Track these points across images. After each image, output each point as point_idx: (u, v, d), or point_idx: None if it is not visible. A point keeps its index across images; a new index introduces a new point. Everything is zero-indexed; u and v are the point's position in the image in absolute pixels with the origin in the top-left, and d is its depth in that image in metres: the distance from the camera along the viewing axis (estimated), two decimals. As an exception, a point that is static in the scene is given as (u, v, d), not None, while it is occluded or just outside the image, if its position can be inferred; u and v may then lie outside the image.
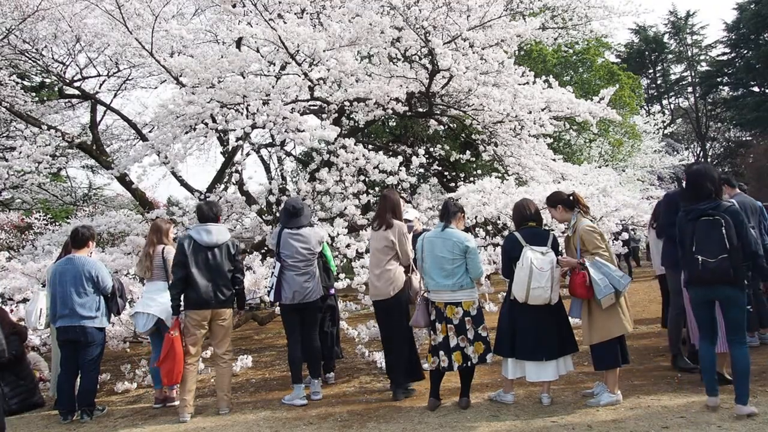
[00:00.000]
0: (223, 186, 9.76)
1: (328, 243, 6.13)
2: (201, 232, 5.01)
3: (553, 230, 5.88)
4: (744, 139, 29.71)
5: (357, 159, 7.28)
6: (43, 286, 6.12)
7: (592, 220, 4.70)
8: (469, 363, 4.54)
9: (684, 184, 4.27)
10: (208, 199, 8.71)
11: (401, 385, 5.04)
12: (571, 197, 4.67)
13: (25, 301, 6.54)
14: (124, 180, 9.61)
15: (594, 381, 4.82)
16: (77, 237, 5.37)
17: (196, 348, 5.04)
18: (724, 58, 30.95)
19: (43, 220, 14.09)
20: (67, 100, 11.22)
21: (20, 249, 11.31)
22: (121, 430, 4.86)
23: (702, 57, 33.01)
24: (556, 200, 4.74)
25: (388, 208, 5.11)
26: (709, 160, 30.83)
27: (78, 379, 5.32)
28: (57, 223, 13.11)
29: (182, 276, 4.90)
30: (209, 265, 4.95)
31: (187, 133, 7.79)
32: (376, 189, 9.14)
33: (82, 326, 5.12)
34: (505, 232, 6.56)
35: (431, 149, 10.47)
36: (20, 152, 8.58)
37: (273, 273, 5.23)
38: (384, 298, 4.97)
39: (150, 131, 10.79)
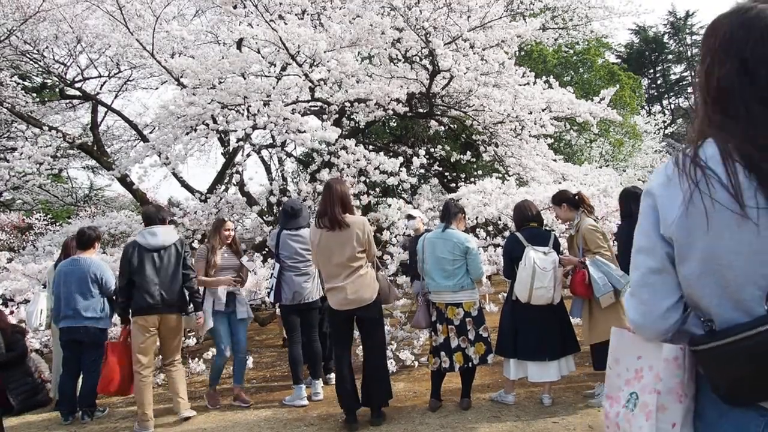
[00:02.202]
0: (223, 187, 9.77)
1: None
2: (146, 235, 4.83)
3: (553, 230, 5.90)
4: (744, 139, 29.70)
5: (358, 160, 7.29)
6: (44, 287, 6.14)
7: (595, 220, 4.72)
8: (470, 364, 4.54)
9: None
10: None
11: (382, 406, 4.50)
12: (576, 196, 4.72)
13: (26, 302, 6.54)
14: (125, 181, 9.61)
15: (595, 382, 4.83)
16: (83, 238, 5.37)
17: (147, 357, 4.75)
18: (725, 58, 30.95)
19: (44, 220, 14.10)
20: (68, 101, 11.23)
21: (21, 250, 11.32)
22: (121, 431, 4.86)
23: (702, 57, 33.04)
24: (561, 198, 4.78)
25: (335, 200, 4.29)
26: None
27: (80, 380, 5.33)
28: (58, 224, 13.12)
29: (124, 284, 4.74)
30: (156, 269, 4.73)
31: (187, 133, 7.80)
32: (377, 190, 9.15)
33: (85, 327, 5.13)
34: (506, 233, 6.57)
35: (432, 150, 10.48)
36: (21, 153, 8.60)
37: (273, 274, 5.24)
38: (364, 305, 4.31)
39: (151, 132, 10.79)
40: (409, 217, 5.78)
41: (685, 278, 1.16)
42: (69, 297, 5.15)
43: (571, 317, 4.67)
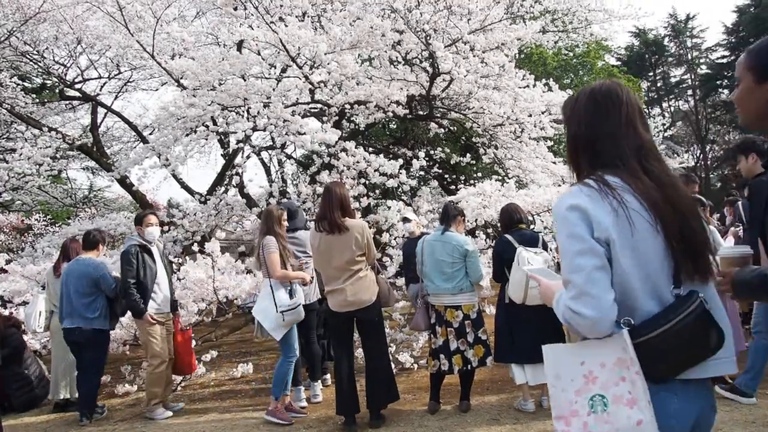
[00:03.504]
0: (223, 188, 9.78)
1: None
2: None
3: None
4: (744, 142, 29.70)
5: (357, 162, 7.29)
6: (43, 288, 6.14)
7: None
8: (469, 366, 4.54)
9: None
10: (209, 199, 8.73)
11: (381, 408, 4.50)
12: None
13: (24, 303, 6.54)
14: (124, 182, 9.62)
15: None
16: (88, 239, 5.48)
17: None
18: (724, 61, 30.93)
19: (43, 222, 14.10)
20: (67, 102, 11.23)
21: (20, 251, 11.31)
22: (121, 432, 4.86)
23: (702, 60, 33.00)
24: None
25: (335, 204, 4.29)
26: (709, 162, 30.85)
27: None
28: (57, 225, 13.12)
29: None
30: None
31: (187, 135, 7.80)
32: (377, 192, 9.15)
33: (80, 328, 5.15)
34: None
35: (432, 152, 10.48)
36: (21, 154, 8.59)
37: None
38: (363, 307, 4.32)
39: (151, 133, 10.80)
40: (405, 220, 5.77)
41: (623, 269, 1.40)
42: (68, 297, 5.21)
43: None
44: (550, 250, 4.99)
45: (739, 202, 5.71)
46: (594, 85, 1.63)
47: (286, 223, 4.90)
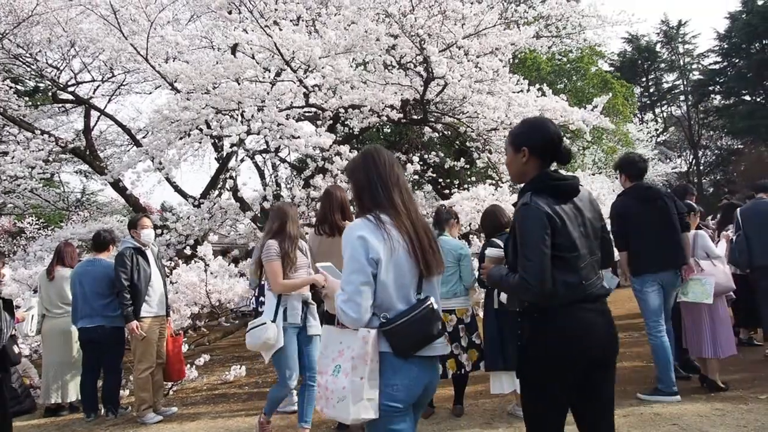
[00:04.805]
0: (217, 192, 9.74)
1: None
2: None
3: None
4: (736, 147, 29.91)
5: (352, 166, 7.28)
6: (35, 292, 6.10)
7: None
8: (462, 370, 4.54)
9: None
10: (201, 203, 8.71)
11: None
12: None
13: (16, 307, 6.48)
14: (117, 186, 9.58)
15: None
16: (98, 240, 5.60)
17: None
18: (716, 66, 31.21)
19: (36, 225, 14.01)
20: (60, 105, 11.18)
21: (12, 255, 11.23)
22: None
23: (694, 66, 33.29)
24: None
25: (335, 207, 4.20)
26: (701, 168, 31.04)
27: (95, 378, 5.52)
28: (50, 229, 13.03)
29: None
30: None
31: (181, 138, 7.78)
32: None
33: (102, 326, 5.27)
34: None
35: (426, 156, 10.50)
36: (13, 157, 8.54)
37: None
38: None
39: (144, 137, 10.76)
40: None
41: (386, 280, 2.04)
42: (86, 298, 5.27)
43: None
44: None
45: (738, 209, 5.76)
46: (367, 148, 2.32)
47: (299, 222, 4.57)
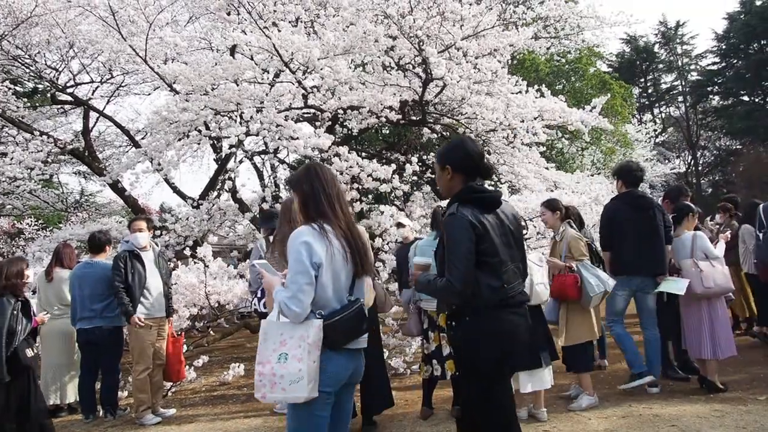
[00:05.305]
0: (216, 193, 9.73)
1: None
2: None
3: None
4: (734, 147, 29.91)
5: (351, 167, 7.29)
6: (34, 293, 6.09)
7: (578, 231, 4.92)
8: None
9: None
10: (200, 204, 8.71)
11: (376, 414, 4.52)
12: (566, 209, 4.92)
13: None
14: (116, 187, 9.56)
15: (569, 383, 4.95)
16: (94, 242, 5.58)
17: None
18: (715, 67, 31.23)
19: (35, 226, 14.00)
20: (59, 106, 11.15)
21: (10, 255, 11.21)
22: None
23: (692, 66, 33.29)
24: (556, 207, 4.89)
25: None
26: (700, 168, 31.06)
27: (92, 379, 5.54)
28: (48, 230, 13.01)
29: None
30: None
31: (180, 139, 7.78)
32: (370, 197, 9.16)
33: (100, 328, 5.29)
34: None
35: (424, 157, 10.48)
36: (12, 158, 8.52)
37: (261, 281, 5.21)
38: None
39: (143, 138, 10.75)
40: (399, 225, 5.78)
41: (324, 282, 2.33)
42: (84, 300, 5.28)
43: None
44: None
45: (761, 206, 5.81)
46: (309, 163, 2.71)
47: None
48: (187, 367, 6.06)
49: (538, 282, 4.26)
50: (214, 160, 10.77)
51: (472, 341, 2.56)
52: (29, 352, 4.29)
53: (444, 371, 4.50)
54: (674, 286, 4.78)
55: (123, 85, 11.48)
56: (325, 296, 2.35)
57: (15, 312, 4.15)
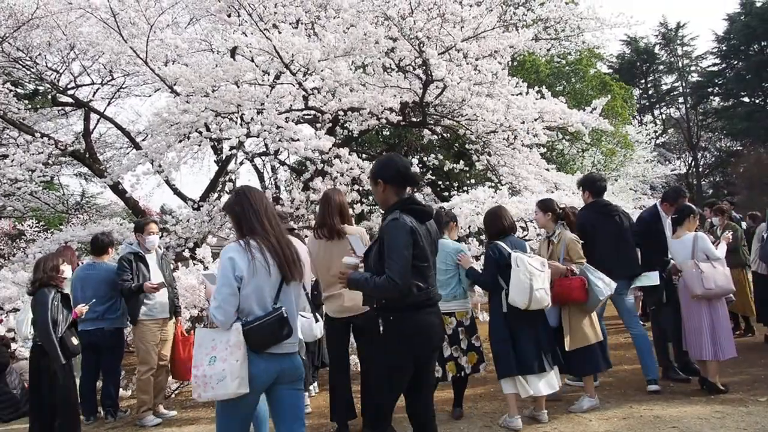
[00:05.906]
0: (216, 194, 9.73)
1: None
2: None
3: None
4: (735, 148, 29.91)
5: (351, 168, 7.30)
6: (33, 294, 6.08)
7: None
8: (462, 373, 4.53)
9: None
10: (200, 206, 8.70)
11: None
12: (561, 211, 4.90)
13: (15, 310, 6.47)
14: (117, 188, 9.56)
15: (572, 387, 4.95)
16: (97, 244, 5.60)
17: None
18: (715, 68, 31.25)
19: (36, 228, 13.99)
20: (60, 108, 11.16)
21: (11, 257, 11.21)
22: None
23: (693, 68, 33.30)
24: (550, 208, 4.84)
25: (334, 211, 4.29)
26: (700, 169, 31.05)
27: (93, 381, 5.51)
28: (49, 231, 13.00)
29: None
30: None
31: (180, 141, 7.78)
32: (370, 198, 9.15)
33: (102, 329, 5.32)
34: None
35: (425, 159, 10.51)
36: (13, 160, 8.53)
37: None
38: (361, 312, 4.01)
39: (144, 140, 10.74)
40: None
41: (247, 293, 2.62)
42: (87, 301, 5.20)
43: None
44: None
45: None
46: (238, 188, 2.93)
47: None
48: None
49: (538, 287, 4.11)
50: (214, 161, 10.80)
51: (397, 334, 2.87)
52: (75, 340, 4.49)
53: (445, 372, 4.51)
54: (646, 279, 5.01)
55: (124, 86, 11.49)
56: (248, 304, 2.64)
57: (55, 303, 4.35)
